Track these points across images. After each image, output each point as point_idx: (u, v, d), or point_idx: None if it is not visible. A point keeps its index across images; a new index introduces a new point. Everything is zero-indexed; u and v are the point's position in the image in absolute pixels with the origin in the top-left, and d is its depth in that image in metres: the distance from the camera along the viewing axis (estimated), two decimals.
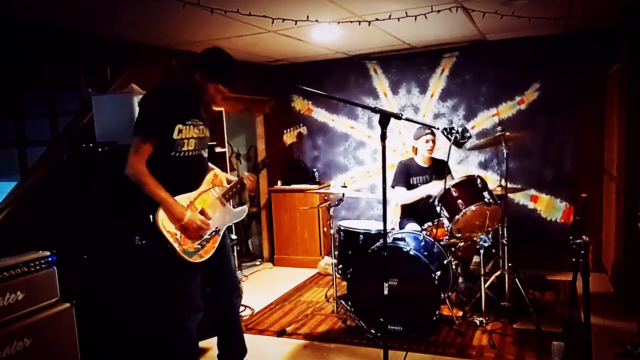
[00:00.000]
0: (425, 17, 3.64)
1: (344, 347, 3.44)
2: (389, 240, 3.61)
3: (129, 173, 2.42)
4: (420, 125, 4.28)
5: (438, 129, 3.15)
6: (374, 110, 2.41)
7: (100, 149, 3.10)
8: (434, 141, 4.22)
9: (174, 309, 2.64)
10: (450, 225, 3.53)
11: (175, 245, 2.47)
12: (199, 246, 2.58)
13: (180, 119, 2.51)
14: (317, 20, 3.63)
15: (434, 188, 4.02)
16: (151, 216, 2.46)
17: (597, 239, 4.80)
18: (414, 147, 4.34)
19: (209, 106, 2.73)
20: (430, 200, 4.22)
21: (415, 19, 3.66)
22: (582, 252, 2.21)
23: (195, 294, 2.68)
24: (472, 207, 3.43)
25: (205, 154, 2.73)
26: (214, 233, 2.65)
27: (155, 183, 2.43)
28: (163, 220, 2.45)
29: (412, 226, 4.14)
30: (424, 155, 4.25)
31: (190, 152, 2.57)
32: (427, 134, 4.19)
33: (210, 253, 2.64)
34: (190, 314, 2.67)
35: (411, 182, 4.26)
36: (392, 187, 4.26)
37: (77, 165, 3.23)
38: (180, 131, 2.50)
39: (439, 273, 3.40)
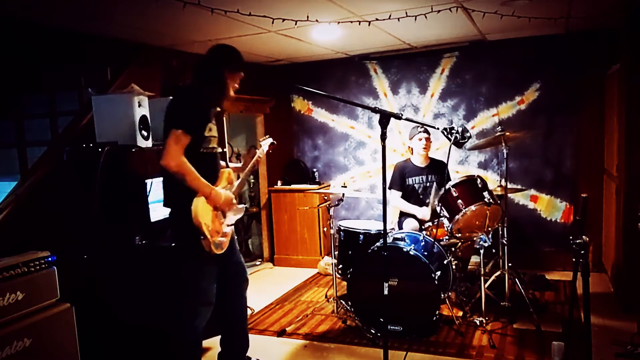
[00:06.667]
0: (425, 17, 3.64)
1: (344, 347, 3.44)
2: (389, 240, 3.61)
3: (168, 164, 2.47)
4: (414, 125, 4.31)
5: (438, 128, 3.15)
6: (374, 110, 2.42)
7: (100, 149, 3.10)
8: (427, 139, 4.23)
9: (189, 305, 2.70)
10: (450, 225, 3.53)
11: (209, 236, 2.60)
12: (222, 239, 2.72)
13: (210, 118, 2.70)
14: (317, 20, 3.63)
15: (421, 212, 4.14)
16: (168, 209, 2.61)
17: (597, 239, 4.80)
18: (409, 147, 4.37)
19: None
20: (428, 202, 4.24)
21: (415, 19, 3.66)
22: (582, 252, 2.21)
23: (210, 290, 2.76)
24: (472, 207, 3.43)
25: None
26: (231, 226, 2.82)
27: (196, 173, 2.54)
28: (201, 211, 2.56)
29: (411, 223, 4.16)
30: (420, 154, 4.27)
31: (213, 149, 2.74)
32: (421, 132, 4.21)
33: (227, 245, 2.78)
34: (202, 309, 2.73)
35: (407, 184, 4.28)
36: (389, 188, 4.29)
37: (77, 165, 3.23)
38: (210, 129, 2.68)
39: (439, 273, 3.40)
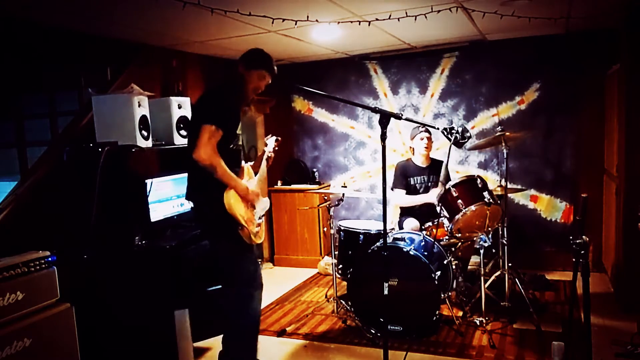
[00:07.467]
0: (425, 17, 3.63)
1: (344, 347, 3.44)
2: (389, 240, 3.61)
3: (200, 156, 2.55)
4: (415, 125, 4.30)
5: (438, 128, 3.15)
6: (374, 110, 2.42)
7: (100, 149, 3.11)
8: (429, 139, 4.24)
9: (244, 291, 2.80)
10: (450, 225, 3.53)
11: (246, 226, 2.70)
12: (257, 228, 2.85)
13: (240, 116, 2.85)
14: (317, 20, 3.63)
15: (433, 197, 4.03)
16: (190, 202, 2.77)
17: (597, 239, 4.80)
18: (411, 147, 4.37)
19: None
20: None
21: (415, 19, 3.66)
22: (582, 252, 2.21)
23: (258, 273, 2.90)
24: (472, 207, 3.43)
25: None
26: (262, 217, 2.94)
27: (225, 166, 2.64)
28: (234, 203, 2.65)
29: (411, 222, 4.15)
30: (421, 154, 4.27)
31: (239, 146, 2.90)
32: (422, 132, 4.22)
33: (263, 235, 2.92)
34: (255, 292, 2.84)
35: (410, 183, 4.28)
36: (392, 189, 4.28)
37: (77, 165, 3.23)
38: (240, 128, 2.80)
39: (439, 273, 3.40)
